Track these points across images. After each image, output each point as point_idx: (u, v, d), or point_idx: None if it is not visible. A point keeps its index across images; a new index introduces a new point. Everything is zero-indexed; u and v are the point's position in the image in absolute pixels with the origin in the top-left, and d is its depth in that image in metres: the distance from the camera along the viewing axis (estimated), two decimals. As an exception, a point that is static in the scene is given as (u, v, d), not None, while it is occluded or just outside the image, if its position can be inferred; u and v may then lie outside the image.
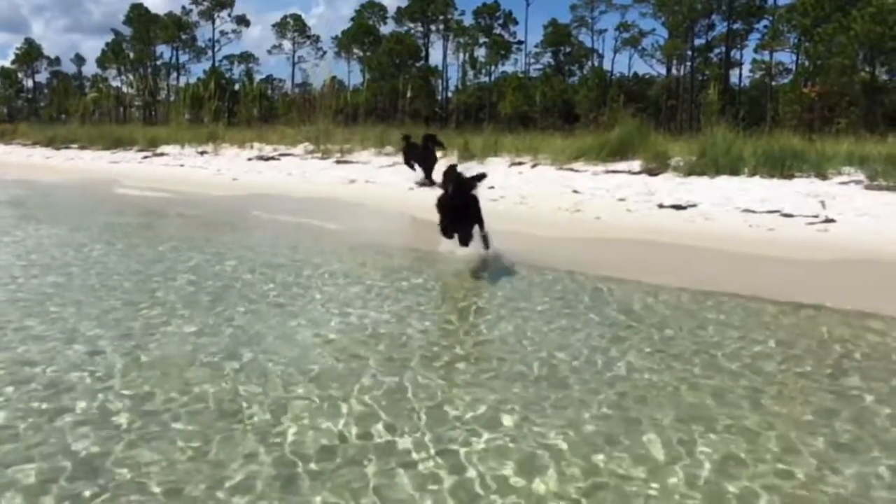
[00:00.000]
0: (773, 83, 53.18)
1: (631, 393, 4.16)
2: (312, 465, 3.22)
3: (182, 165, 20.55)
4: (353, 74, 71.62)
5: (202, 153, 22.55)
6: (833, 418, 3.85)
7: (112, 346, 4.78)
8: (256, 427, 3.60)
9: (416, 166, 14.64)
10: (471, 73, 63.80)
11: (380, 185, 14.81)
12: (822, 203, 9.77)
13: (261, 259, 8.16)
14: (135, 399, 3.90)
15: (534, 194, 12.49)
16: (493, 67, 62.96)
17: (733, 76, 56.32)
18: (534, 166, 15.44)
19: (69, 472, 3.13)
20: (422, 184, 13.94)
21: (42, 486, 3.02)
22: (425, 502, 2.96)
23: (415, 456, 3.33)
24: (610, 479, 3.15)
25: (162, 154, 23.14)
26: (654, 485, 3.11)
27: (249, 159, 20.42)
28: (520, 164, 15.79)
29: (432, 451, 3.37)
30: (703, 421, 3.76)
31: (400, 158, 17.71)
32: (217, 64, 68.15)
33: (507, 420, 3.73)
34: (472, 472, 3.18)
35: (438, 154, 14.73)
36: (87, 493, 2.97)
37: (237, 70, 69.78)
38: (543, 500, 2.99)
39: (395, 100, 53.86)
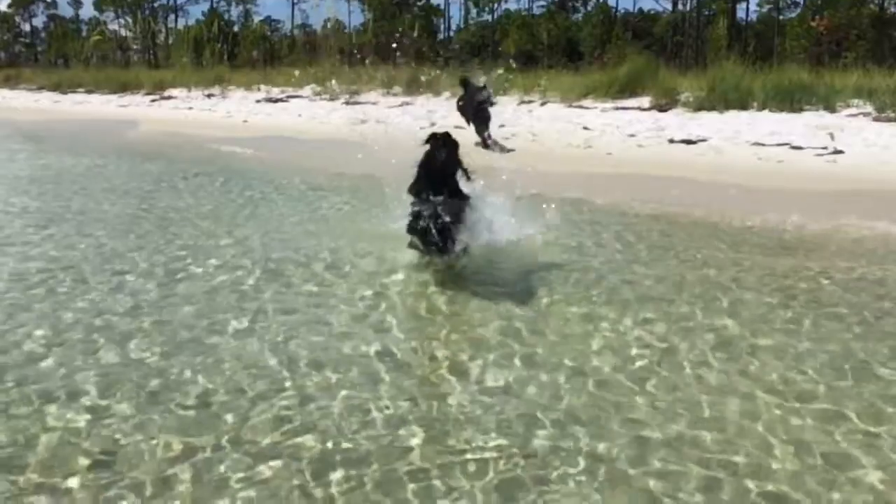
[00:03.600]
0: (781, 17, 52.35)
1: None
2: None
3: (191, 108, 20.63)
4: (353, 15, 70.47)
5: (209, 96, 22.59)
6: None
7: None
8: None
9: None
10: (473, 12, 62.72)
11: (392, 126, 14.91)
12: (831, 135, 9.95)
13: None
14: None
15: (545, 131, 12.66)
16: (495, 5, 61.85)
17: (740, 10, 55.36)
18: (543, 104, 15.56)
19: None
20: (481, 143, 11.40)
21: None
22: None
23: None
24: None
25: (169, 97, 23.19)
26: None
27: (258, 101, 20.48)
28: (529, 102, 15.90)
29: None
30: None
31: (409, 99, 17.83)
32: (214, 5, 67.02)
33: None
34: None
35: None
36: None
37: (235, 11, 68.62)
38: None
39: (399, 40, 53.16)
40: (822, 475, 2.79)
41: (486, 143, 11.30)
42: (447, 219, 4.82)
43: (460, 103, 11.88)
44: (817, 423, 3.16)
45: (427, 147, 5.12)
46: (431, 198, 4.93)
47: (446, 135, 5.19)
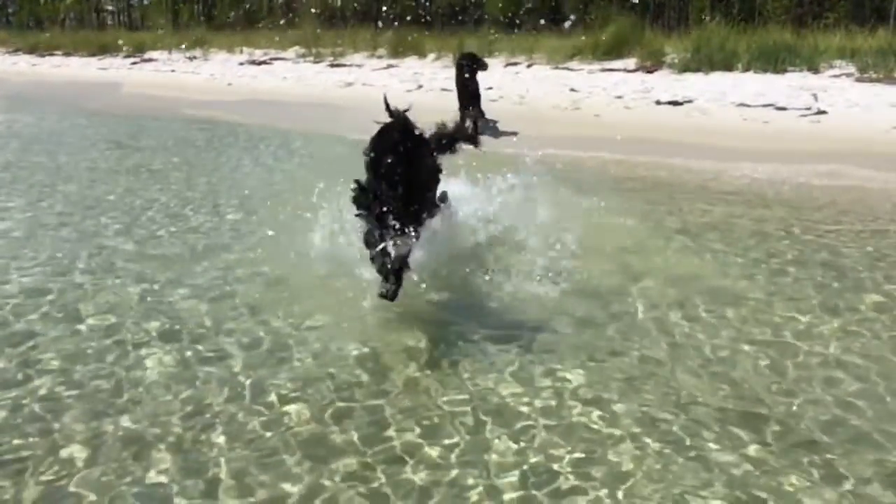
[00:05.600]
0: (763, -23, 52.17)
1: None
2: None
3: (173, 71, 20.36)
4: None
5: (191, 58, 22.27)
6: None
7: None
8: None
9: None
10: (454, -28, 61.88)
11: (377, 88, 14.86)
12: (815, 95, 10.12)
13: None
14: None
15: (532, 93, 12.70)
16: (477, -35, 61.04)
17: (722, -29, 55.15)
18: (529, 66, 15.54)
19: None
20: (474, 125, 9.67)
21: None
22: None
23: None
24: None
25: (150, 59, 22.84)
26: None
27: (241, 64, 20.25)
28: (515, 64, 15.88)
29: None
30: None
31: (394, 61, 17.71)
32: (191, -35, 65.47)
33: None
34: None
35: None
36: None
37: (212, -29, 67.15)
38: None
39: (378, 1, 52.40)
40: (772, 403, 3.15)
41: (475, 126, 9.43)
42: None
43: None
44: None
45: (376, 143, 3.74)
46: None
47: (400, 126, 3.73)
